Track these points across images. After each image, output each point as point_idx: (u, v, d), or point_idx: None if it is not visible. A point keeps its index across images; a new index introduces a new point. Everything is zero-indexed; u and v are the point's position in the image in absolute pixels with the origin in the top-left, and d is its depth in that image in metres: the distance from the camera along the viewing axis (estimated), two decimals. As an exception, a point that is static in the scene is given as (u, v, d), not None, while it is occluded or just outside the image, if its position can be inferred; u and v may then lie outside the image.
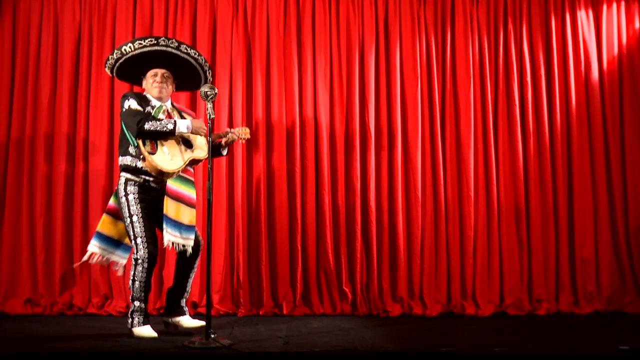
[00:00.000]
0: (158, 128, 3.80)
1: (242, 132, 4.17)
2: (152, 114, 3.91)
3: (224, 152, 4.20)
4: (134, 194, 3.85)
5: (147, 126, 3.79)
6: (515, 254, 4.95)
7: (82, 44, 4.98)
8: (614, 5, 5.21)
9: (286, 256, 4.85)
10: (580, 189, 5.04)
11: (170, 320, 4.02)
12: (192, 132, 3.90)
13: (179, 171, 3.88)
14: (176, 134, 3.85)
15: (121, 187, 3.88)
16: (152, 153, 3.81)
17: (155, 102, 3.99)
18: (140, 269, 3.78)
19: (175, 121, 3.86)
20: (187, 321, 3.97)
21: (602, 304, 4.91)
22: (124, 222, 3.88)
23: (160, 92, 3.98)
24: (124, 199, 3.85)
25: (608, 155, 5.08)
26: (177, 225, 3.86)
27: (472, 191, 4.97)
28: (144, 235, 3.80)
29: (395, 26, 5.08)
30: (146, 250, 3.78)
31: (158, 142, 3.85)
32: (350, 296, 4.83)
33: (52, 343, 3.76)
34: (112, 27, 4.99)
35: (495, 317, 4.78)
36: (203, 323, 3.79)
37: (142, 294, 3.81)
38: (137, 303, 3.82)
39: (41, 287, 4.78)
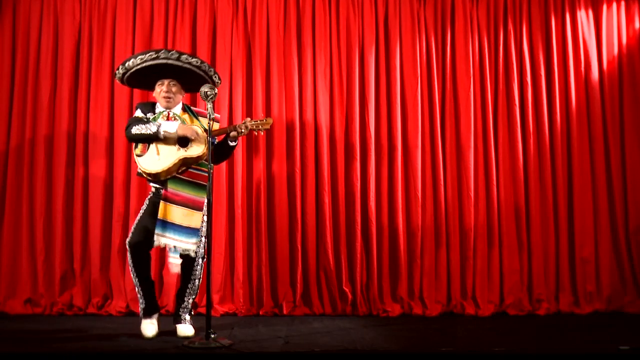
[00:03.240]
0: (142, 131, 3.87)
1: (261, 124, 4.03)
2: (152, 119, 3.96)
3: (233, 144, 4.07)
4: (150, 198, 4.01)
5: (133, 130, 3.89)
6: (515, 254, 4.95)
7: (82, 44, 4.98)
8: (614, 5, 5.21)
9: (286, 256, 4.85)
10: (580, 189, 5.04)
11: (174, 323, 4.06)
12: (180, 135, 3.87)
13: (172, 170, 3.85)
14: (161, 137, 3.85)
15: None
16: (141, 155, 3.89)
17: (160, 109, 4.04)
18: (129, 255, 3.94)
19: (160, 123, 3.88)
20: (180, 329, 3.99)
21: (602, 304, 4.91)
22: None
23: (167, 101, 4.02)
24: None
25: (608, 155, 5.08)
26: (173, 227, 3.86)
27: (472, 191, 4.97)
28: (135, 226, 3.95)
29: (395, 26, 5.08)
30: (130, 238, 3.93)
31: (152, 144, 3.89)
32: (350, 296, 4.83)
33: (52, 343, 3.77)
34: (112, 27, 4.99)
35: (495, 317, 4.78)
36: (190, 333, 3.92)
37: (137, 280, 3.95)
38: (137, 289, 3.97)
39: (41, 287, 4.78)
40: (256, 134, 4.15)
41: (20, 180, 4.87)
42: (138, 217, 3.98)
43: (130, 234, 3.96)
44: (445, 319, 4.71)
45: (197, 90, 4.25)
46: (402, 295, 4.86)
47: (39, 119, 4.92)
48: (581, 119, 5.09)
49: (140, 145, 3.92)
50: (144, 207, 3.99)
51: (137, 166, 3.97)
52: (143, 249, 3.91)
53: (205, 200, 3.93)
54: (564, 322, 4.60)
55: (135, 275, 3.94)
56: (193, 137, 3.89)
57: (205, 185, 3.92)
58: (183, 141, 3.92)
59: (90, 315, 4.71)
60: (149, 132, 3.85)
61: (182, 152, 3.88)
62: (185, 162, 3.90)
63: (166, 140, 3.88)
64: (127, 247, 3.93)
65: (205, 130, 3.89)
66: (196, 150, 3.89)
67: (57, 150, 4.89)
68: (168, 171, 3.86)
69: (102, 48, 4.96)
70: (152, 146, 3.89)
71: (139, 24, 4.98)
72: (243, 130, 3.99)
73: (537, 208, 4.99)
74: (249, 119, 4.08)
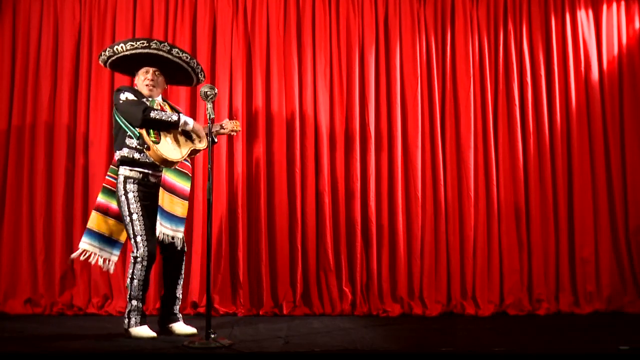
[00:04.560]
0: (164, 118, 3.82)
1: (233, 126, 4.20)
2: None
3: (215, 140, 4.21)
4: (133, 192, 3.85)
5: (152, 115, 3.78)
6: (515, 254, 4.95)
7: (82, 44, 4.98)
8: (614, 5, 5.21)
9: (286, 256, 4.85)
10: (580, 189, 5.04)
11: (166, 326, 3.99)
12: (192, 130, 3.94)
13: (181, 160, 3.89)
14: (180, 127, 3.87)
15: (120, 186, 3.87)
16: (157, 142, 3.80)
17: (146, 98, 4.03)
18: (140, 267, 3.79)
19: (179, 114, 3.91)
20: (179, 327, 3.96)
21: (602, 304, 4.91)
22: (124, 221, 3.87)
23: (150, 90, 4.00)
24: (123, 198, 3.84)
25: (608, 155, 5.08)
26: (170, 217, 3.86)
27: (472, 191, 4.97)
28: (143, 233, 3.80)
29: (395, 26, 5.08)
30: (146, 248, 3.79)
31: (162, 133, 3.85)
32: (350, 296, 4.83)
33: (52, 343, 3.76)
34: (112, 27, 4.99)
35: (495, 317, 4.78)
36: (194, 330, 3.90)
37: (140, 293, 3.81)
38: (134, 302, 3.81)
39: (41, 287, 4.78)
40: (233, 134, 4.25)
41: (20, 180, 4.87)
42: (141, 221, 3.80)
43: (145, 244, 3.78)
44: (445, 319, 4.71)
45: (180, 83, 4.31)
46: (402, 295, 4.86)
47: (39, 119, 4.92)
48: (581, 119, 5.10)
49: (152, 133, 3.81)
50: (137, 207, 3.81)
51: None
52: (155, 256, 3.87)
53: (188, 190, 4.02)
54: (564, 322, 4.60)
55: (141, 288, 3.80)
56: (201, 137, 3.95)
57: (189, 175, 4.02)
58: (187, 133, 3.95)
59: (90, 315, 4.70)
60: (169, 120, 3.82)
61: (190, 143, 3.94)
62: (193, 153, 3.97)
63: (177, 130, 3.91)
64: (144, 258, 3.77)
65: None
66: (202, 144, 3.96)
67: (57, 151, 4.89)
68: (180, 161, 3.89)
69: (102, 48, 4.94)
70: (162, 134, 3.85)
71: (139, 24, 4.99)
72: (226, 128, 4.15)
73: (537, 208, 4.99)
74: (227, 119, 4.24)
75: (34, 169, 4.88)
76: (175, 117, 3.84)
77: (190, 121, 3.94)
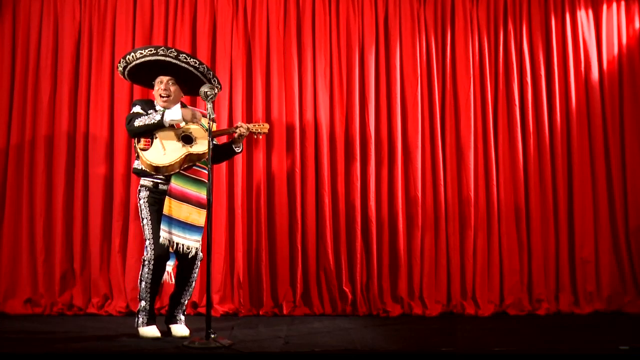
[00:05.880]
0: (146, 122, 3.82)
1: (260, 128, 4.10)
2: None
3: (238, 150, 4.10)
4: (144, 198, 3.90)
5: (136, 123, 3.82)
6: (515, 254, 4.95)
7: (82, 44, 4.98)
8: (614, 5, 5.21)
9: (286, 256, 4.85)
10: (580, 189, 5.04)
11: (168, 325, 4.03)
12: (185, 120, 3.86)
13: (176, 166, 3.83)
14: (166, 124, 3.82)
15: (138, 193, 3.97)
16: (145, 149, 3.83)
17: (160, 107, 3.99)
18: (147, 270, 3.82)
19: (164, 111, 3.84)
20: (175, 329, 3.98)
21: (602, 304, 4.91)
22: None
23: (165, 100, 3.97)
24: (139, 204, 3.94)
25: (608, 155, 5.09)
26: (178, 224, 3.85)
27: (472, 191, 4.97)
28: (151, 238, 3.83)
29: (395, 26, 5.08)
30: (153, 252, 3.82)
31: (155, 138, 3.85)
32: (350, 296, 4.83)
33: (52, 343, 3.77)
34: (112, 27, 4.98)
35: (495, 317, 4.78)
36: (187, 333, 3.91)
37: (148, 295, 3.84)
38: (142, 303, 3.86)
39: (41, 287, 4.78)
40: (255, 137, 4.17)
41: (20, 180, 4.87)
42: (150, 226, 3.84)
43: (152, 247, 3.81)
44: (445, 319, 4.71)
45: (196, 92, 4.26)
46: (402, 295, 4.86)
47: (39, 119, 4.92)
48: (581, 119, 5.10)
49: (142, 140, 3.86)
50: (147, 212, 3.86)
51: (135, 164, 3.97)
52: (165, 261, 3.88)
53: (204, 197, 3.93)
54: (564, 322, 4.61)
55: (149, 290, 3.83)
56: (195, 122, 3.88)
57: (204, 182, 3.93)
58: (187, 138, 3.91)
59: (90, 315, 4.70)
60: (153, 121, 3.80)
61: (187, 148, 3.88)
62: (190, 159, 3.88)
63: (169, 134, 3.85)
64: (151, 261, 3.80)
65: (205, 130, 3.88)
66: (201, 147, 3.88)
67: (57, 150, 4.89)
68: (173, 166, 3.83)
69: (102, 48, 4.96)
70: (157, 141, 3.85)
71: (139, 24, 4.98)
72: (244, 132, 4.01)
73: (537, 208, 4.99)
74: (252, 124, 4.15)
75: (34, 169, 4.88)
76: (158, 117, 3.82)
77: (174, 113, 3.83)
